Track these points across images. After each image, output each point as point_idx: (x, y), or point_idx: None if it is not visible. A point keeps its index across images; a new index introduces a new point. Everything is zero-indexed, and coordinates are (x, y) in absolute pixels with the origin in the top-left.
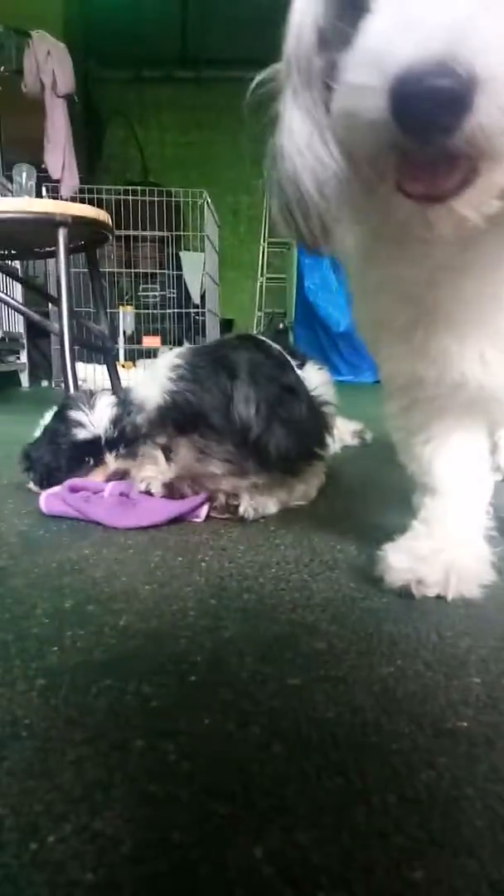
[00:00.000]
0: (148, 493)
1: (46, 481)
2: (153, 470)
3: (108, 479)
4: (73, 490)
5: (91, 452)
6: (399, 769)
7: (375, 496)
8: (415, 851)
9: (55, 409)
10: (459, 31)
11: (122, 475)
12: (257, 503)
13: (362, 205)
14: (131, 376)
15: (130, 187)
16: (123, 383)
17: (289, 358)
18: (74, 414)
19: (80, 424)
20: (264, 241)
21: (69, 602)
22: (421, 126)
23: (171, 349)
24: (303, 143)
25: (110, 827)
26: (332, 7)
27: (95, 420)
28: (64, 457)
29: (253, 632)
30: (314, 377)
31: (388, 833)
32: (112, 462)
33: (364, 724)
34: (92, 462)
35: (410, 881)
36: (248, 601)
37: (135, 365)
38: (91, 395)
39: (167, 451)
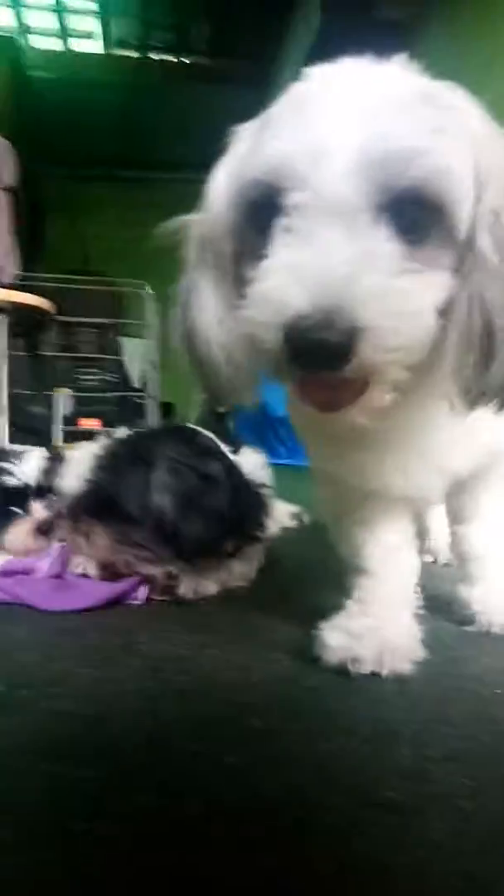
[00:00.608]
0: (84, 575)
1: None
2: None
3: (38, 528)
4: (6, 574)
5: (19, 502)
6: (335, 841)
7: (313, 577)
8: None
9: None
10: (344, 286)
11: (49, 525)
12: (197, 584)
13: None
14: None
15: (71, 276)
16: None
17: (221, 445)
18: (3, 464)
19: (8, 473)
20: None
21: (2, 687)
22: (312, 365)
23: (108, 432)
24: (214, 320)
25: None
26: (242, 216)
27: (25, 470)
28: None
29: (191, 712)
30: (249, 461)
31: None
32: (40, 511)
33: (301, 799)
34: (21, 513)
35: None
36: (186, 682)
37: (72, 447)
38: (22, 452)
39: (86, 537)
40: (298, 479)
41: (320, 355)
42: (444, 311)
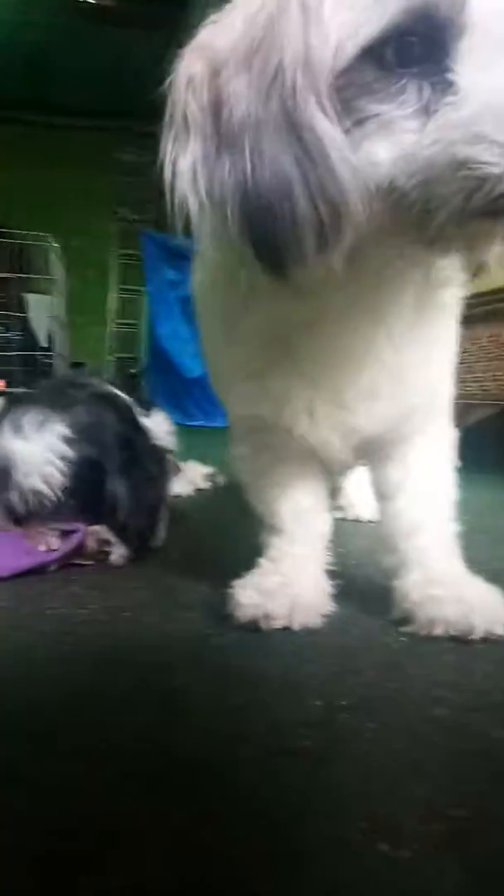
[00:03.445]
0: None
1: None
2: None
3: None
4: None
5: None
6: (246, 791)
7: (228, 537)
8: (260, 865)
9: None
10: None
11: None
12: (125, 549)
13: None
14: None
15: None
16: None
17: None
18: None
19: None
20: (113, 288)
21: None
22: None
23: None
24: (346, 149)
25: None
26: (368, 50)
27: None
28: None
29: (108, 677)
30: (159, 427)
31: (235, 850)
32: None
33: (215, 753)
34: None
35: (257, 892)
36: (102, 647)
37: None
38: None
39: None
40: (212, 441)
41: None
42: None
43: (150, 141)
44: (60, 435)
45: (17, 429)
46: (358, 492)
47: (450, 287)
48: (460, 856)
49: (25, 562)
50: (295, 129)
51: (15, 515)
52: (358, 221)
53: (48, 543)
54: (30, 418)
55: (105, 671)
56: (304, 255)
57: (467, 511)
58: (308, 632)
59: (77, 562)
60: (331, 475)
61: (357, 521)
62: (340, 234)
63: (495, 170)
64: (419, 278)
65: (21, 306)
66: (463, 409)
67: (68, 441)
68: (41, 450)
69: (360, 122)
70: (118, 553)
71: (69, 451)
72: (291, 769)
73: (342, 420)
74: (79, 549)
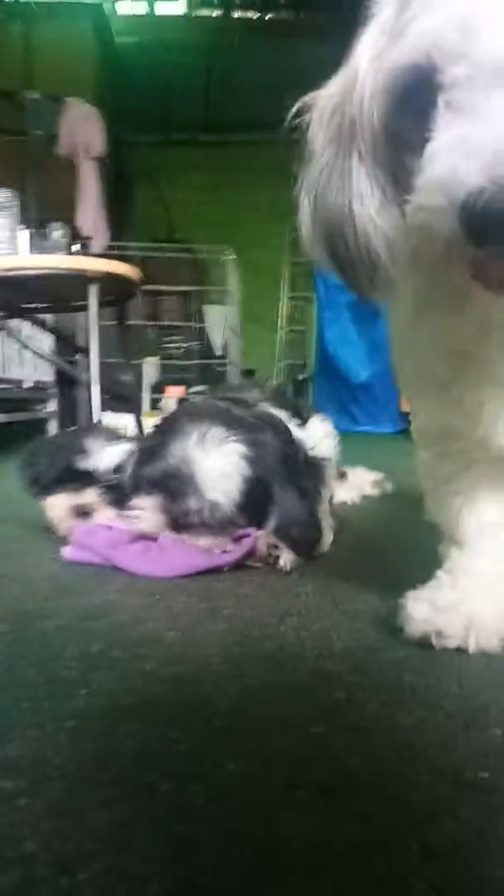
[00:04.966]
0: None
1: (37, 487)
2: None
3: (72, 512)
4: (101, 534)
5: (79, 480)
6: (420, 819)
7: (396, 546)
8: None
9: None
10: None
11: (83, 511)
12: (295, 555)
13: (432, 278)
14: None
15: (157, 244)
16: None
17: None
18: (86, 442)
19: (85, 453)
20: (284, 295)
21: (96, 646)
22: (491, 241)
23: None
24: (374, 211)
25: (138, 867)
26: (393, 102)
27: (102, 457)
28: (54, 473)
29: (275, 679)
30: (315, 433)
31: (409, 881)
32: (86, 497)
33: (385, 774)
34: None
35: None
36: (270, 649)
37: (157, 413)
38: (114, 435)
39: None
40: (379, 447)
41: (501, 228)
42: None
43: None
44: (240, 453)
45: (200, 441)
46: None
47: None
48: None
49: (201, 562)
50: (344, 181)
51: (185, 521)
52: (396, 264)
53: (223, 545)
54: (212, 434)
55: (273, 675)
56: (366, 282)
57: None
58: (485, 655)
59: (248, 563)
60: None
61: None
62: (380, 273)
63: (444, 233)
64: None
65: (200, 317)
66: None
67: (246, 459)
68: (222, 465)
69: (397, 175)
70: (286, 557)
71: (247, 469)
72: (470, 802)
73: None
74: (250, 553)
